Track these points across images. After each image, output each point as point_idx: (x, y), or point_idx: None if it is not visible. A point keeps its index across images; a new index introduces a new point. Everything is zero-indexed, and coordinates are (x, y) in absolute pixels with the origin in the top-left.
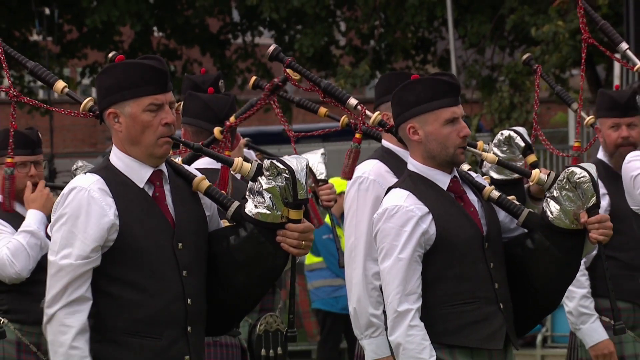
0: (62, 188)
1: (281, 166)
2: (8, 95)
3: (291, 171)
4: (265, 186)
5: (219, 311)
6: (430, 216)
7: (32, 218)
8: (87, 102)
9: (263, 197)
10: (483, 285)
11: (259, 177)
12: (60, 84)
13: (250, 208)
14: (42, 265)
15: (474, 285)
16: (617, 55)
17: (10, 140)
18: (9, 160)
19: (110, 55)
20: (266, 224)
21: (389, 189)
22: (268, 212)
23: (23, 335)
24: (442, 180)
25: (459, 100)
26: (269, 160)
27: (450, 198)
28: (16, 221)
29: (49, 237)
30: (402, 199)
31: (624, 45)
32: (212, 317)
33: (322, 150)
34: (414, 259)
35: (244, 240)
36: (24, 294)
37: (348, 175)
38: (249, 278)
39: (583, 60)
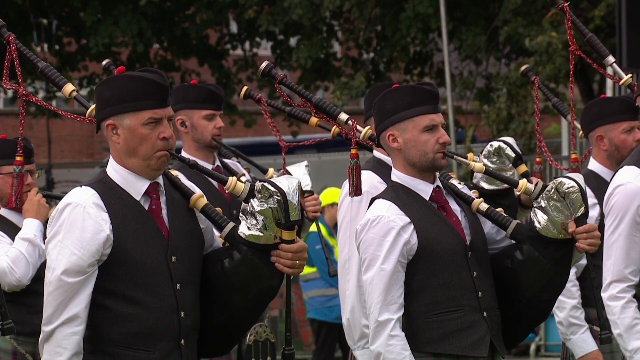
0: (60, 198)
1: (272, 189)
2: (18, 94)
3: (282, 193)
4: (257, 208)
5: (217, 333)
6: (412, 226)
7: (29, 226)
8: (93, 108)
9: (256, 219)
10: (466, 293)
11: (251, 199)
12: (69, 87)
13: (243, 230)
14: (39, 276)
15: (457, 294)
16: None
17: (20, 139)
18: (18, 158)
19: (104, 63)
20: (259, 245)
21: (373, 199)
22: (261, 234)
23: (19, 345)
24: (425, 190)
25: (438, 108)
26: (261, 183)
27: (433, 208)
28: (12, 232)
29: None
30: (384, 209)
31: (611, 59)
32: (211, 339)
33: (305, 163)
34: (396, 269)
35: (238, 263)
36: (19, 305)
37: (357, 193)
38: (245, 299)
39: (571, 72)
